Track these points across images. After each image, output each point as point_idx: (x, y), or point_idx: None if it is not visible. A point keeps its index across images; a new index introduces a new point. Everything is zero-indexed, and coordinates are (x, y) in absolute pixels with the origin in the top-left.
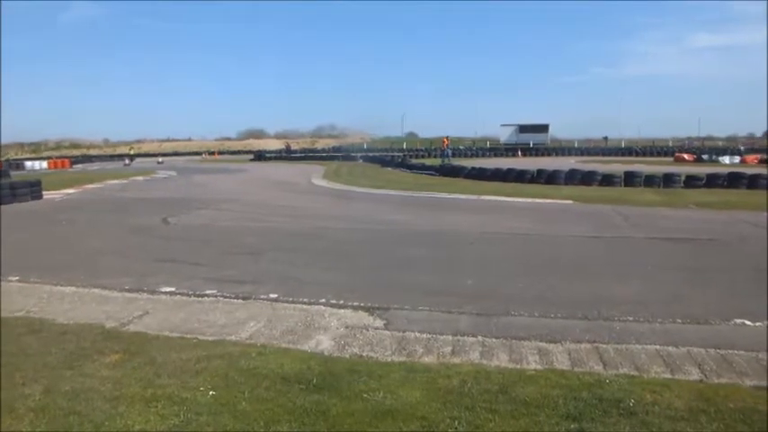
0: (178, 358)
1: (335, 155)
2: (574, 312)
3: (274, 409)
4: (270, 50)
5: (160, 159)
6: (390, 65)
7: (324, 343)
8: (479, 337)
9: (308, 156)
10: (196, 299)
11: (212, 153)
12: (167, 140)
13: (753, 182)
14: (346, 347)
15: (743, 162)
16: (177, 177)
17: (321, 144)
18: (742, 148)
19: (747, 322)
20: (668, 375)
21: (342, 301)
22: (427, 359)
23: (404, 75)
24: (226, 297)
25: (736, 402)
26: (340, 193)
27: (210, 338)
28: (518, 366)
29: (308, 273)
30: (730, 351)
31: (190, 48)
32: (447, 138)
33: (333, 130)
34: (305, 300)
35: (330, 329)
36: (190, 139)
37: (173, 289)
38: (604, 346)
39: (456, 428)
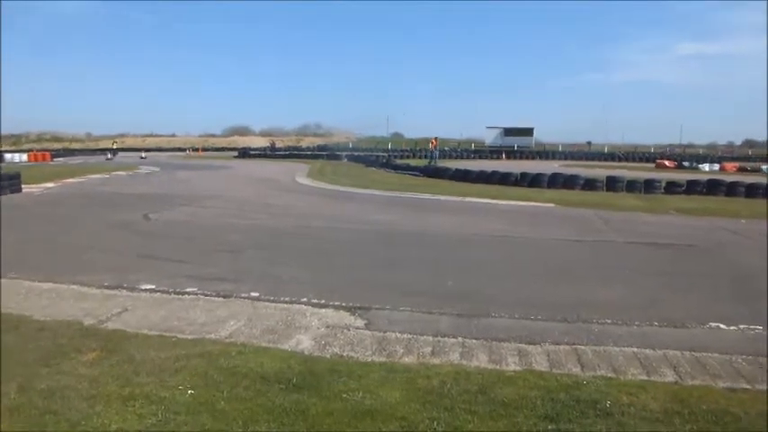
0: (157, 356)
1: (320, 153)
2: (554, 315)
3: (253, 409)
4: (262, 49)
5: (143, 154)
6: (379, 65)
7: (304, 342)
8: (460, 338)
9: (293, 154)
10: (176, 296)
11: (196, 149)
12: (151, 135)
13: (731, 189)
14: (327, 347)
15: (722, 170)
16: (160, 173)
17: (306, 142)
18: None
19: (722, 326)
20: (644, 377)
21: (323, 301)
22: (407, 359)
23: (392, 75)
24: (206, 295)
25: (709, 404)
26: (324, 192)
27: (190, 337)
28: (497, 367)
29: (289, 271)
30: (705, 354)
31: (175, 44)
32: (435, 139)
33: (318, 128)
34: (286, 299)
35: (311, 329)
36: (174, 135)
37: (153, 286)
38: (583, 347)
39: (435, 429)
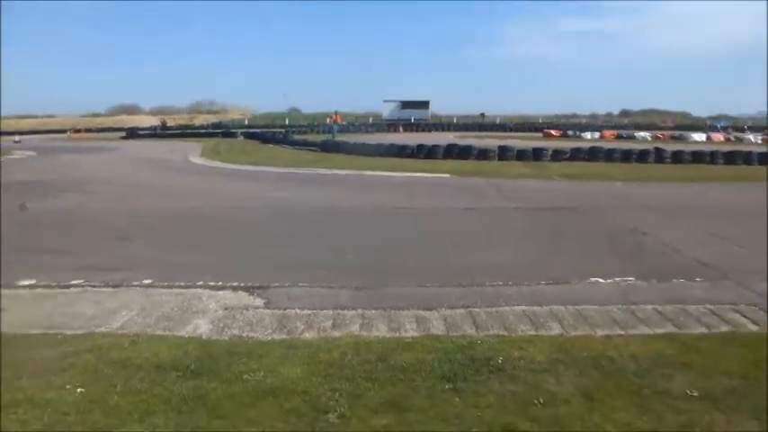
0: (40, 357)
1: (215, 131)
2: (450, 281)
3: (149, 400)
4: (151, 22)
5: (17, 138)
6: (273, 36)
7: (202, 327)
8: (359, 310)
9: (186, 133)
10: (60, 290)
11: (78, 131)
12: (26, 117)
13: (609, 155)
14: (225, 329)
15: (602, 137)
16: (38, 157)
17: (200, 120)
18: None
19: (600, 280)
20: (533, 332)
21: (220, 283)
22: (308, 335)
23: (287, 47)
24: (94, 286)
25: (589, 351)
26: (218, 171)
27: (78, 332)
28: (396, 335)
29: (183, 255)
30: (586, 306)
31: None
32: (336, 113)
33: (212, 105)
34: (181, 284)
35: (208, 312)
36: (52, 116)
37: (32, 282)
38: (477, 310)
39: (336, 400)
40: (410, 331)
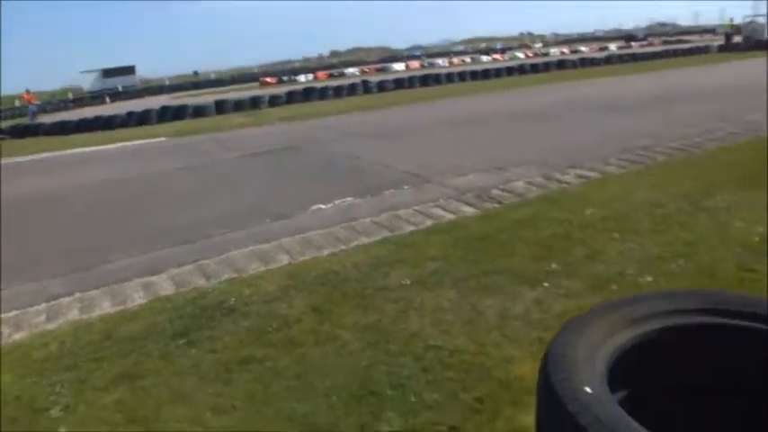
0: None
1: None
2: (176, 241)
3: None
4: None
5: None
6: None
7: None
8: (78, 294)
9: None
10: None
11: None
12: None
13: (323, 93)
14: None
15: (316, 78)
16: None
17: None
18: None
19: (322, 206)
20: (263, 268)
21: None
22: (18, 336)
23: None
24: None
25: (318, 270)
26: None
27: None
28: (122, 307)
29: None
30: (311, 233)
31: None
32: (28, 91)
33: None
34: None
35: None
36: None
37: None
38: (207, 261)
39: (58, 393)
40: (137, 299)
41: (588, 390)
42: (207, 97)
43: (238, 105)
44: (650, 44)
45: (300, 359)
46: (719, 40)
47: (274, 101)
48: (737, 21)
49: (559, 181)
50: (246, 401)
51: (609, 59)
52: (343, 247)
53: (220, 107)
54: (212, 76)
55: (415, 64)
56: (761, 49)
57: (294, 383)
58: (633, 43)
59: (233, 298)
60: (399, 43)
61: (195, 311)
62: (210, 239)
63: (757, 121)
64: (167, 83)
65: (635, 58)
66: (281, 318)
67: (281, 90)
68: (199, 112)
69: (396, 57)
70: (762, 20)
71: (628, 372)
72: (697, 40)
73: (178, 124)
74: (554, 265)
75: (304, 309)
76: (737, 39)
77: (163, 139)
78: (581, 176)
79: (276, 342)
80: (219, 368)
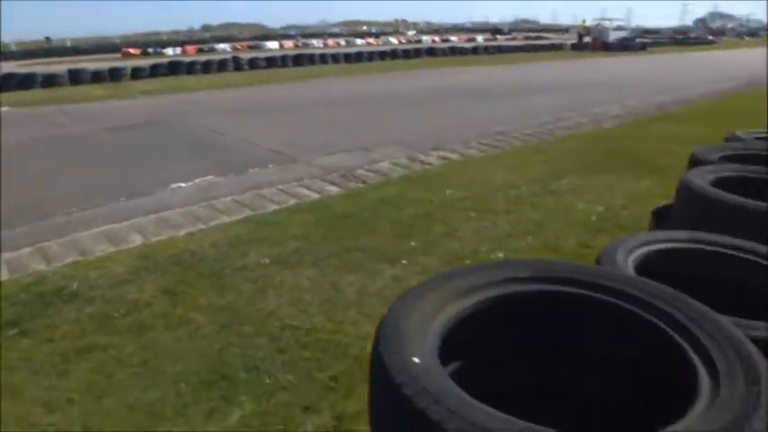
0: None
1: None
2: (13, 222)
3: None
4: None
5: None
6: None
7: None
8: None
9: None
10: None
11: None
12: None
13: (191, 68)
14: None
15: (184, 52)
16: None
17: None
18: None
19: (182, 184)
20: (113, 249)
21: None
22: None
23: None
24: None
25: (172, 250)
26: None
27: None
28: None
29: None
30: (169, 212)
31: None
32: None
33: None
34: None
35: None
36: None
37: None
38: (48, 243)
39: None
40: None
41: (417, 360)
42: (60, 66)
43: (96, 76)
44: (514, 38)
45: (149, 345)
46: (573, 39)
47: (137, 73)
48: (589, 22)
49: (423, 162)
50: (84, 393)
51: (476, 50)
52: (202, 227)
53: (76, 77)
54: (68, 44)
55: (289, 43)
56: (606, 50)
57: (140, 371)
58: (499, 36)
59: (76, 282)
60: (275, 22)
61: (30, 299)
62: (53, 219)
63: (600, 113)
64: (14, 48)
65: (500, 50)
66: (129, 302)
67: (146, 62)
68: (49, 81)
69: (270, 35)
70: (607, 23)
71: (461, 342)
72: (554, 38)
73: (24, 94)
74: (413, 243)
75: (155, 291)
76: (587, 39)
77: (5, 108)
78: (443, 158)
79: (122, 328)
80: (56, 359)
